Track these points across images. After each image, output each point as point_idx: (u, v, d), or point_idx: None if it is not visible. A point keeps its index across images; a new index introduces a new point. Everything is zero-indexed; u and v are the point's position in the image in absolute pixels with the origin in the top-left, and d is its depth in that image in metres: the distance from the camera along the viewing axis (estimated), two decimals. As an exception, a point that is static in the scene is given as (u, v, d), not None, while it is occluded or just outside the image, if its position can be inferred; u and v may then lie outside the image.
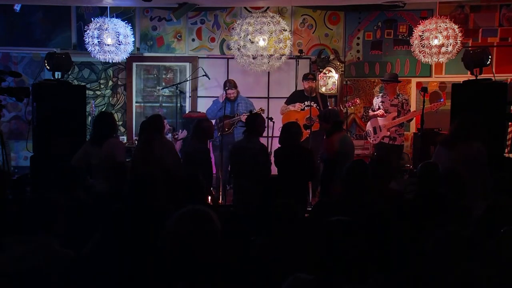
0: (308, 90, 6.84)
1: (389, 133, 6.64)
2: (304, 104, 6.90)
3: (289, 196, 3.57)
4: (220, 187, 6.15)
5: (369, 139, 6.93)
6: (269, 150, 6.01)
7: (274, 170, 5.21)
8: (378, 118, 6.74)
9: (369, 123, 6.91)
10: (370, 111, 6.97)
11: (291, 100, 7.07)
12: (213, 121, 6.60)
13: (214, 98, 7.16)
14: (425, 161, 4.29)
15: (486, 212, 2.56)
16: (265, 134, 7.41)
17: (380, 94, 6.99)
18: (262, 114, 6.64)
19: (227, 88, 6.80)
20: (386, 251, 2.68)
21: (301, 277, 2.15)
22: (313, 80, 7.04)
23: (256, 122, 5.23)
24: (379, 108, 6.77)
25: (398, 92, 6.93)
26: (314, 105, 6.80)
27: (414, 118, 7.05)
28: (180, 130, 7.24)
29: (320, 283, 2.08)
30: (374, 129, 6.77)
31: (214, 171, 6.46)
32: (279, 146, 5.25)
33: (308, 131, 6.61)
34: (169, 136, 6.90)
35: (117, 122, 7.44)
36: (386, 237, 2.75)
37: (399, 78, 6.98)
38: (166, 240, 2.10)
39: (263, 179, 4.80)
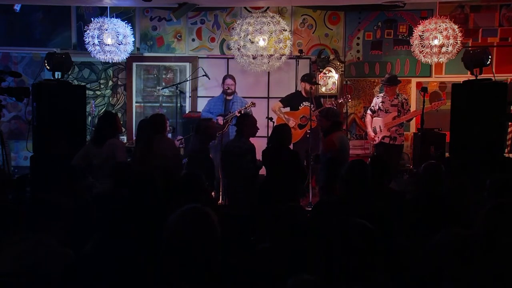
0: (308, 91, 6.87)
1: (389, 132, 6.66)
2: (302, 105, 6.93)
3: (280, 196, 3.59)
4: (220, 187, 6.14)
5: (369, 139, 6.95)
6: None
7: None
8: (378, 118, 6.77)
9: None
10: (368, 111, 6.98)
11: (287, 100, 7.09)
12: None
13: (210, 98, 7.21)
14: (428, 161, 4.29)
15: (489, 213, 2.55)
16: (264, 134, 7.44)
17: (380, 94, 7.00)
18: (253, 107, 6.73)
19: (226, 79, 6.90)
20: (386, 252, 2.67)
21: (302, 278, 2.15)
22: (315, 83, 7.11)
23: (246, 123, 5.31)
24: (379, 108, 6.79)
25: (398, 92, 6.94)
26: (310, 105, 6.84)
27: (415, 118, 7.07)
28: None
29: (321, 284, 2.08)
30: (374, 129, 6.79)
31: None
32: (267, 146, 5.32)
33: (303, 130, 6.65)
34: (169, 135, 6.90)
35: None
36: (386, 238, 2.75)
37: (399, 78, 6.99)
38: (165, 240, 2.10)
39: (250, 179, 4.88)
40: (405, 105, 6.77)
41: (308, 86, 6.91)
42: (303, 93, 6.98)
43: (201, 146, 5.41)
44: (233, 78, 7.04)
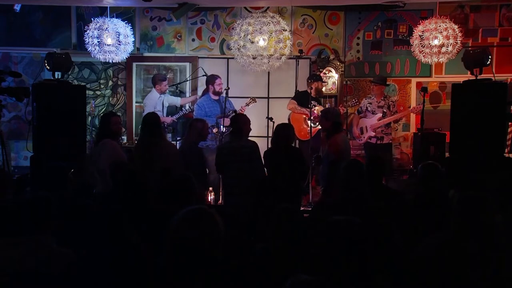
0: (321, 90, 6.97)
1: (374, 133, 6.76)
2: (313, 106, 6.96)
3: (282, 196, 3.58)
4: (220, 188, 6.13)
5: (356, 139, 7.06)
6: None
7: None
8: (364, 119, 6.87)
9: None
10: (356, 112, 7.08)
11: (299, 98, 7.08)
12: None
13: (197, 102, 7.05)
14: (426, 161, 4.29)
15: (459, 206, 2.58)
16: (264, 134, 7.45)
17: (369, 96, 7.09)
18: (254, 103, 6.84)
19: (216, 78, 6.83)
20: (385, 252, 2.68)
21: (301, 278, 2.15)
22: (322, 81, 7.17)
23: (241, 121, 5.23)
24: (366, 109, 6.94)
25: (386, 94, 7.07)
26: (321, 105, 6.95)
27: (414, 118, 7.10)
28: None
29: (320, 284, 2.08)
30: (361, 129, 6.91)
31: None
32: (270, 146, 5.26)
33: (317, 128, 6.72)
34: (169, 136, 6.91)
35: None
36: (385, 238, 2.75)
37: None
38: (168, 240, 2.10)
39: (258, 178, 4.83)
40: (392, 107, 6.89)
41: (321, 85, 7.04)
42: (313, 93, 6.94)
43: (192, 146, 5.40)
44: (220, 77, 6.97)
